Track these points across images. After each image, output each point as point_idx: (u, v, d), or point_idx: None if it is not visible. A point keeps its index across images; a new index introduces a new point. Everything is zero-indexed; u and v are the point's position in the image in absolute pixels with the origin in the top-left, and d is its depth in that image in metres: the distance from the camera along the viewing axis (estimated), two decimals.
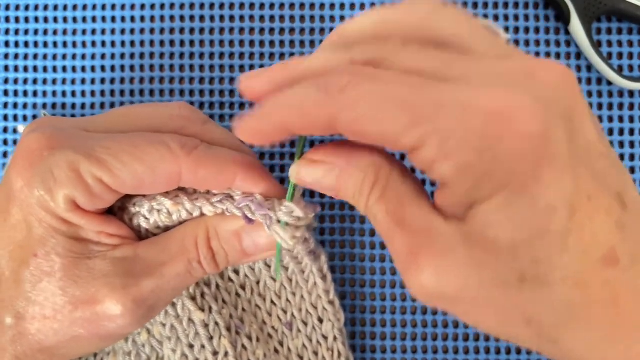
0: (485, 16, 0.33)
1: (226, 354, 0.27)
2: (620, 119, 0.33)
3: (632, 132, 0.32)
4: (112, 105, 0.33)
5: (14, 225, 0.23)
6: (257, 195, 0.24)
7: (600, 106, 0.33)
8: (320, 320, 0.29)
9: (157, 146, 0.23)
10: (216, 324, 0.28)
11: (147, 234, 0.26)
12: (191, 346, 0.27)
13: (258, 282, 0.29)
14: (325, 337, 0.30)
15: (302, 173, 0.22)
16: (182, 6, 0.33)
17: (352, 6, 0.33)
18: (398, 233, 0.20)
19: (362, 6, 0.33)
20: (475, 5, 0.33)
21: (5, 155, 0.33)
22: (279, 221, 0.24)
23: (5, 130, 0.33)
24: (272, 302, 0.29)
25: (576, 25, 0.32)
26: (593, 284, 0.18)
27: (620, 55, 0.33)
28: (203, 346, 0.27)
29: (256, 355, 0.28)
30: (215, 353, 0.27)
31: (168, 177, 0.23)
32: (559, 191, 0.18)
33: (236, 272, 0.29)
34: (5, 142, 0.33)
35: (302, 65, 0.20)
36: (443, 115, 0.17)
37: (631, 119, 0.33)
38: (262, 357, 0.28)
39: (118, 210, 0.26)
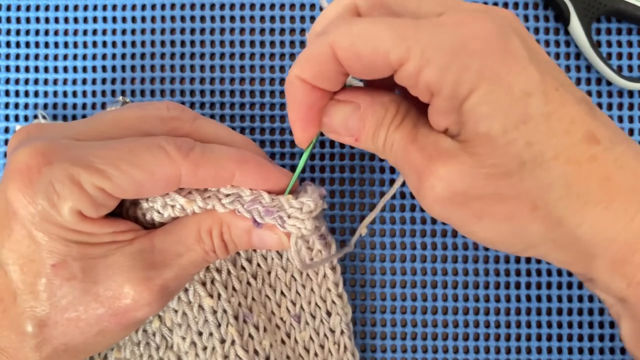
0: None
1: (233, 342, 0.28)
2: (620, 119, 0.33)
3: (631, 132, 0.33)
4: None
5: (19, 241, 0.23)
6: (264, 196, 0.25)
7: (599, 106, 0.33)
8: (329, 314, 0.30)
9: (154, 151, 0.23)
10: (224, 311, 0.28)
11: (160, 225, 0.26)
12: (200, 333, 0.28)
13: (269, 273, 0.30)
14: (332, 331, 0.30)
15: (330, 112, 0.24)
16: (182, 6, 0.34)
17: None
18: (413, 148, 0.23)
19: None
20: None
21: (5, 155, 0.33)
22: (289, 216, 0.25)
23: (6, 130, 0.33)
24: (282, 293, 0.30)
25: (576, 25, 0.32)
26: (582, 159, 0.21)
27: (619, 56, 0.33)
28: (211, 334, 0.28)
29: (262, 345, 0.28)
30: (222, 341, 0.28)
31: (167, 180, 0.24)
32: (529, 80, 0.21)
33: (249, 260, 0.29)
34: (6, 143, 0.33)
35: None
36: (422, 32, 0.21)
37: (630, 119, 0.33)
38: (268, 347, 0.28)
39: (130, 205, 0.26)
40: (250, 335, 0.28)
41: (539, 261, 0.32)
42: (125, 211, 0.26)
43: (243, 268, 0.29)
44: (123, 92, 0.33)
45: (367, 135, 0.24)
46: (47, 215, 0.22)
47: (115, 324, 0.24)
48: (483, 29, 0.21)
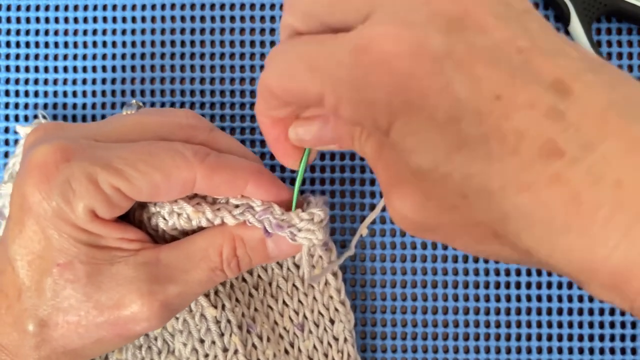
0: None
1: (236, 351, 0.28)
2: None
3: None
4: (113, 106, 0.33)
5: (31, 237, 0.23)
6: (274, 207, 0.25)
7: None
8: (332, 322, 0.30)
9: (171, 154, 0.24)
10: (228, 321, 0.28)
11: (164, 234, 0.26)
12: (202, 341, 0.28)
13: (270, 283, 0.30)
14: (336, 339, 0.30)
15: (299, 133, 0.23)
16: (182, 6, 0.33)
17: None
18: (379, 165, 0.21)
19: None
20: None
21: (6, 155, 0.33)
22: (299, 230, 0.25)
23: (7, 130, 0.33)
24: (284, 302, 0.30)
25: (576, 25, 0.32)
26: (539, 183, 0.16)
27: (620, 56, 0.33)
28: (213, 342, 0.28)
29: (266, 354, 0.28)
30: (225, 350, 0.28)
31: (183, 184, 0.24)
32: (452, 98, 0.16)
33: (250, 272, 0.29)
34: (6, 142, 0.33)
35: None
36: (330, 63, 0.18)
37: None
38: (271, 357, 0.28)
39: (138, 207, 0.26)
40: (253, 345, 0.28)
41: None
42: (132, 216, 0.26)
43: (244, 280, 0.29)
44: (130, 93, 0.33)
45: (347, 144, 0.22)
46: (61, 212, 0.23)
47: (113, 335, 0.24)
48: (389, 51, 0.17)
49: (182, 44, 0.33)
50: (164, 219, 0.25)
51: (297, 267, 0.29)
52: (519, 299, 0.32)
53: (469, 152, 0.16)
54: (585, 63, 0.17)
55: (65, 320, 0.23)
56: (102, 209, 0.23)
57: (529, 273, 0.32)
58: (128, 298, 0.23)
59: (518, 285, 0.32)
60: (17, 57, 0.34)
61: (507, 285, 0.32)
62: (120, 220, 0.25)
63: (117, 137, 0.25)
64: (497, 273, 0.32)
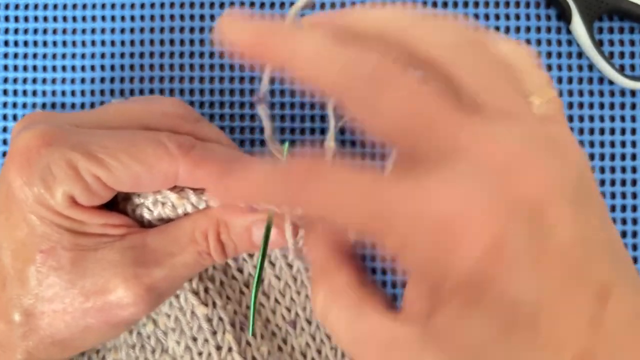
0: (487, 15, 0.33)
1: (230, 349, 0.27)
2: (622, 119, 0.33)
3: (633, 131, 0.32)
4: None
5: (15, 224, 0.23)
6: None
7: (601, 105, 0.33)
8: None
9: (154, 146, 0.23)
10: (220, 319, 0.28)
11: (150, 225, 0.26)
12: (194, 339, 0.27)
13: (262, 281, 0.29)
14: (328, 336, 0.29)
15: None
16: (182, 5, 0.33)
17: (353, 6, 0.33)
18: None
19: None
20: (476, 5, 0.33)
21: (5, 155, 0.33)
22: None
23: (5, 130, 0.33)
24: (276, 300, 0.29)
25: (577, 24, 0.32)
26: None
27: (621, 55, 0.33)
28: (206, 340, 0.27)
29: (260, 351, 0.28)
30: (218, 347, 0.27)
31: (165, 176, 0.24)
32: (521, 291, 0.16)
33: (240, 270, 0.29)
34: (5, 142, 0.33)
35: (291, 41, 0.19)
36: (397, 221, 0.17)
37: (633, 119, 0.32)
38: (266, 353, 0.28)
39: (122, 200, 0.26)
40: (247, 343, 0.28)
41: None
42: (116, 206, 0.26)
43: (234, 278, 0.29)
44: (129, 92, 0.33)
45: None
46: (41, 197, 0.22)
47: (101, 322, 0.23)
48: (473, 232, 0.16)
49: (182, 43, 0.33)
50: (149, 209, 0.25)
51: (290, 266, 0.29)
52: None
53: (518, 339, 0.16)
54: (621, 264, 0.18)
55: (51, 309, 0.23)
56: (81, 196, 0.23)
57: None
58: (113, 282, 0.23)
59: None
60: (16, 56, 0.33)
61: None
62: (104, 207, 0.24)
63: (100, 125, 0.25)
64: None
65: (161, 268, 0.24)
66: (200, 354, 0.27)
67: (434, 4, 0.33)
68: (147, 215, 0.25)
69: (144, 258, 0.24)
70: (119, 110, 0.25)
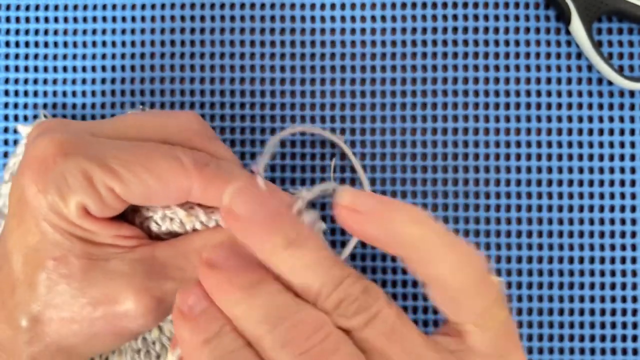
0: (486, 16, 0.33)
1: None
2: (621, 119, 0.33)
3: (632, 132, 0.32)
4: (113, 106, 0.33)
5: (27, 230, 0.23)
6: None
7: (600, 106, 0.33)
8: None
9: (169, 160, 0.23)
10: None
11: (158, 238, 0.26)
12: None
13: None
14: None
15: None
16: (182, 6, 0.33)
17: (353, 6, 0.33)
18: None
19: (363, 6, 0.33)
20: (475, 5, 0.33)
21: (5, 155, 0.33)
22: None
23: (6, 130, 0.33)
24: None
25: (577, 25, 0.32)
26: None
27: (620, 56, 0.33)
28: None
29: None
30: None
31: (178, 191, 0.24)
32: None
33: None
34: (6, 142, 0.33)
35: (282, 257, 0.19)
36: None
37: (632, 119, 0.33)
38: None
39: (130, 211, 0.26)
40: None
41: (539, 261, 0.32)
42: (124, 217, 0.26)
43: None
44: (130, 93, 0.33)
45: None
46: (55, 206, 0.22)
47: (108, 333, 0.23)
48: None
49: (182, 44, 0.33)
50: (157, 223, 0.25)
51: None
52: (519, 299, 0.32)
53: None
54: None
55: (59, 317, 0.23)
56: (94, 207, 0.23)
57: (529, 273, 0.32)
58: (122, 294, 0.23)
59: (519, 285, 0.32)
60: (17, 57, 0.33)
61: (507, 285, 0.32)
62: (115, 219, 0.25)
63: (117, 135, 0.25)
64: (497, 273, 0.32)
65: (170, 282, 0.24)
66: None
67: (434, 5, 0.33)
68: (154, 228, 0.25)
69: (153, 271, 0.24)
70: (136, 122, 0.25)
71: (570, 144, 0.32)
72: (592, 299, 0.32)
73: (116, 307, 0.23)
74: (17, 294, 0.23)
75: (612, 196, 0.32)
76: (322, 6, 0.33)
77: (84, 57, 0.33)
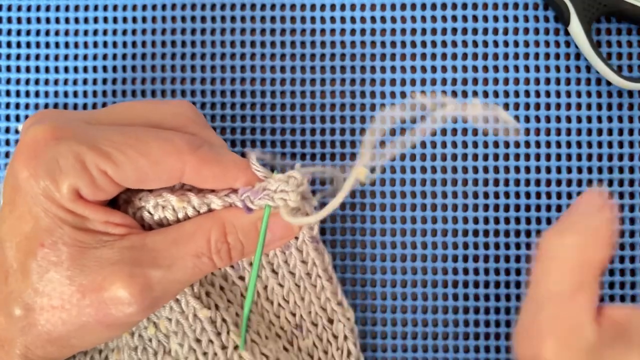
0: (485, 17, 0.33)
1: (236, 347, 0.27)
2: (620, 119, 0.33)
3: (631, 132, 0.33)
4: None
5: (20, 216, 0.23)
6: (256, 185, 0.25)
7: (599, 106, 0.33)
8: (330, 321, 0.29)
9: (161, 142, 0.23)
10: (223, 320, 0.27)
11: (151, 228, 0.26)
12: (198, 340, 0.27)
13: (265, 287, 0.29)
14: (335, 337, 0.30)
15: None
16: (182, 7, 0.34)
17: (353, 7, 0.33)
18: None
19: (363, 7, 0.33)
20: (475, 6, 0.33)
21: (7, 155, 0.33)
22: (275, 191, 0.25)
23: (7, 130, 0.33)
24: (280, 305, 0.29)
25: (576, 26, 0.32)
26: None
27: (619, 56, 0.33)
28: (211, 341, 0.27)
29: (269, 347, 0.28)
30: (223, 347, 0.27)
31: (171, 173, 0.24)
32: None
33: (241, 278, 0.29)
34: (7, 142, 0.33)
35: None
36: None
37: (630, 119, 0.33)
38: (275, 350, 0.28)
39: (123, 202, 0.26)
40: (253, 341, 0.28)
41: None
42: (117, 209, 0.26)
43: (235, 284, 0.29)
44: (130, 93, 0.33)
45: None
46: (47, 190, 0.22)
47: (96, 322, 0.23)
48: None
49: (182, 44, 0.33)
50: (149, 213, 0.25)
51: (293, 274, 0.29)
52: (519, 298, 0.32)
53: None
54: None
55: (49, 304, 0.23)
56: (86, 190, 0.23)
57: (529, 273, 0.32)
58: (109, 281, 0.23)
59: (518, 285, 0.32)
60: (18, 57, 0.34)
61: (507, 285, 0.32)
62: (108, 206, 0.25)
63: (110, 121, 0.25)
64: (497, 273, 0.32)
65: (158, 269, 0.24)
66: (205, 354, 0.27)
67: (434, 6, 0.33)
68: (147, 219, 0.25)
69: (141, 258, 0.24)
70: (130, 109, 0.26)
71: (569, 144, 0.33)
72: None
73: (103, 294, 0.23)
74: (10, 282, 0.23)
75: (611, 196, 0.32)
76: (322, 7, 0.33)
77: (84, 57, 0.33)
